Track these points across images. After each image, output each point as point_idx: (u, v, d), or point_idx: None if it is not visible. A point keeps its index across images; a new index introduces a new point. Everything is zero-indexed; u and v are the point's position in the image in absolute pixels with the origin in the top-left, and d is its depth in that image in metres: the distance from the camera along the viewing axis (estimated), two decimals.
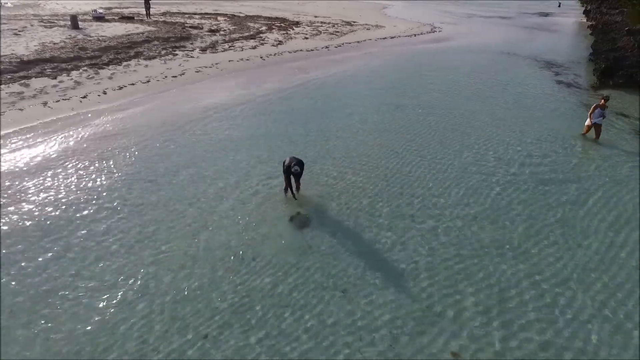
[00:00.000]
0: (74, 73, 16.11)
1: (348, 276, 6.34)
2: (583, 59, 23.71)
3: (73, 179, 8.89)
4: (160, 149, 10.42)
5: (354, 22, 34.67)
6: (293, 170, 7.86)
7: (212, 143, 10.86)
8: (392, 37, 28.61)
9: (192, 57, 19.87)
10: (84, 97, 14.04)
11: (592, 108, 11.11)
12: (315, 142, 11.07)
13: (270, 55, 21.33)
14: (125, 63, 17.88)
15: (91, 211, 7.76)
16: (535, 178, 9.43)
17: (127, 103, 13.80)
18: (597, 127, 11.18)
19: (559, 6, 57.03)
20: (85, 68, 16.74)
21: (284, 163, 8.15)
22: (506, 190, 8.90)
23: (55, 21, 26.30)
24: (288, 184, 8.26)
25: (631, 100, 15.94)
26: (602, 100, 10.99)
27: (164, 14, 33.74)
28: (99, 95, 14.31)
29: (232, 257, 6.68)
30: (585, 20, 39.65)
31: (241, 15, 35.60)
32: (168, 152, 10.26)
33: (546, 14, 48.75)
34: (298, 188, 8.41)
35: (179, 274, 6.31)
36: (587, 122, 11.34)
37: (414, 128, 12.29)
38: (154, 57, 19.06)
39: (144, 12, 31.18)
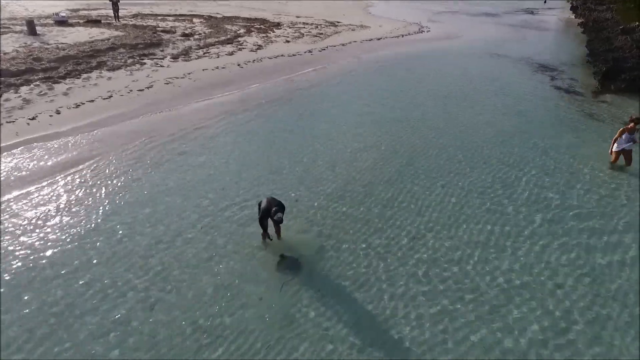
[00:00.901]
0: (24, 89, 14.14)
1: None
2: (578, 59, 22.69)
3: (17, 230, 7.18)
4: (118, 194, 8.69)
5: (338, 22, 33.05)
6: (276, 218, 6.61)
7: (179, 180, 9.25)
8: (378, 39, 27.13)
9: (161, 66, 18.01)
10: (33, 118, 12.18)
11: (618, 132, 9.62)
12: (301, 172, 9.57)
13: (249, 62, 19.62)
14: (85, 75, 15.95)
15: (32, 277, 6.10)
16: (550, 210, 8.15)
17: (83, 126, 11.97)
18: (626, 152, 9.68)
19: (545, 2, 56.43)
20: (37, 82, 14.76)
21: (259, 205, 6.97)
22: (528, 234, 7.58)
23: (11, 26, 23.93)
24: (265, 229, 6.98)
25: (635, 107, 14.86)
26: (632, 124, 9.42)
27: (134, 16, 31.47)
28: (50, 116, 12.44)
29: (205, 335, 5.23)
30: (573, 16, 38.94)
31: (218, 16, 33.58)
32: (129, 198, 8.60)
33: (532, 12, 47.97)
34: (279, 233, 7.18)
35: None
36: (614, 147, 9.74)
37: (413, 153, 10.90)
38: (119, 68, 17.15)
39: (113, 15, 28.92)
